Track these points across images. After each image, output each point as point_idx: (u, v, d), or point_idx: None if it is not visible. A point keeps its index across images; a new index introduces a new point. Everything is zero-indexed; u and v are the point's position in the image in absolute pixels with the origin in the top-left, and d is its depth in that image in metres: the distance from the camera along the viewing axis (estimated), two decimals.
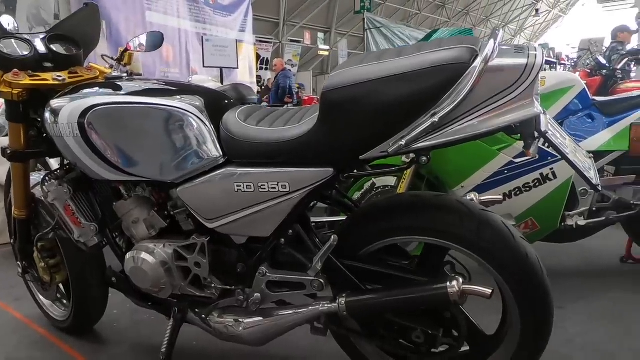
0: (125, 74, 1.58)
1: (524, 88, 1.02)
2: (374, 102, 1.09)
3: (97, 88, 1.48)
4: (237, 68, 5.54)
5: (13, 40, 1.56)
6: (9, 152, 1.61)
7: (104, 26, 4.56)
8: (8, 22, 2.44)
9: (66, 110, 1.41)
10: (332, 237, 1.23)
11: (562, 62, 15.18)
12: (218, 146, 1.32)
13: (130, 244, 1.58)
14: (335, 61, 20.39)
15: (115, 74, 1.56)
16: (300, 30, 19.27)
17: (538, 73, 1.01)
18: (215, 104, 1.41)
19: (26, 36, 1.60)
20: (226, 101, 1.46)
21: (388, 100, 1.08)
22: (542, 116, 1.08)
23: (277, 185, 1.23)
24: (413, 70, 1.05)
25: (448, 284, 1.16)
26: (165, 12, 5.38)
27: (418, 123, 1.07)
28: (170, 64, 5.50)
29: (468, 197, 1.39)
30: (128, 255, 1.50)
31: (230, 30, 6.43)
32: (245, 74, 6.29)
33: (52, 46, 1.61)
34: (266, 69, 16.93)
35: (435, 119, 1.04)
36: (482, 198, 1.40)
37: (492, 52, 1.01)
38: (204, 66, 5.23)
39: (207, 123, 1.33)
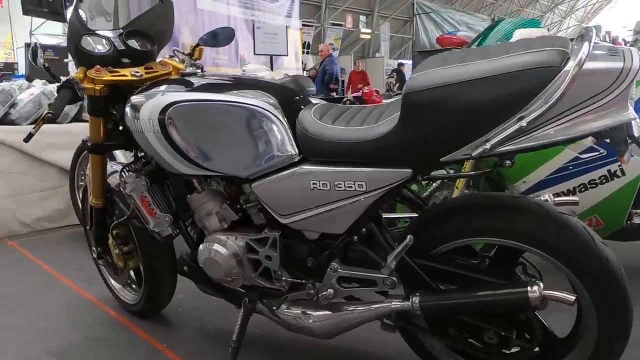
0: (199, 70, 1.62)
1: (618, 92, 0.99)
2: (458, 104, 1.08)
3: (174, 84, 1.53)
4: (287, 55, 5.55)
5: (93, 38, 1.62)
6: (89, 144, 1.69)
7: None
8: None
9: (147, 106, 1.46)
10: (408, 237, 1.24)
11: (618, 46, 14.42)
12: (294, 144, 1.34)
13: (202, 235, 1.64)
14: (376, 44, 20.13)
15: (189, 69, 1.60)
16: (342, 13, 19.09)
17: (634, 78, 0.98)
18: (289, 101, 1.43)
19: (105, 32, 1.66)
20: (298, 98, 1.48)
21: (473, 103, 1.07)
22: (634, 121, 1.05)
23: (354, 184, 1.25)
24: (500, 73, 1.04)
25: (529, 288, 1.15)
26: None
27: (504, 127, 1.05)
28: (220, 51, 5.57)
29: (542, 198, 1.37)
30: (201, 247, 1.55)
31: (277, 15, 6.44)
32: (292, 60, 6.31)
33: (128, 42, 1.67)
34: (308, 52, 16.93)
35: (523, 123, 1.03)
36: (557, 199, 1.38)
37: (586, 55, 0.98)
38: (254, 54, 5.27)
39: (283, 121, 1.35)
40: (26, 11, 5.08)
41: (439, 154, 1.15)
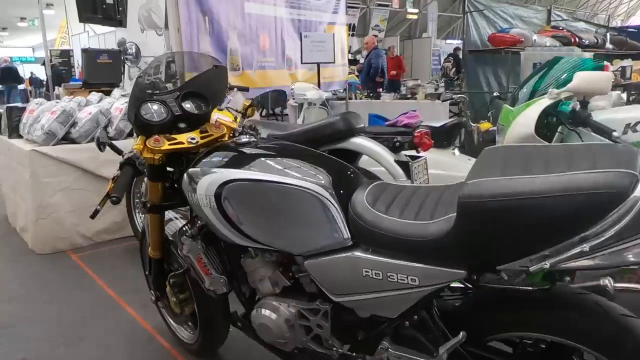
0: (253, 138, 1.64)
1: None
2: (518, 218, 1.06)
3: (228, 156, 1.57)
4: (334, 62, 5.50)
5: (152, 105, 1.67)
6: (148, 205, 1.76)
7: (206, 21, 4.70)
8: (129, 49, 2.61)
9: (203, 183, 1.50)
10: (461, 333, 1.24)
11: None
12: (345, 228, 1.35)
13: (254, 293, 1.70)
14: (424, 25, 19.56)
15: (244, 139, 1.62)
16: None
17: None
18: (342, 180, 1.44)
19: (163, 96, 1.70)
20: (351, 174, 1.49)
21: (534, 219, 1.04)
22: None
23: (407, 278, 1.25)
24: (565, 193, 1.01)
25: None
26: (263, 1, 5.43)
27: (564, 246, 1.03)
28: (267, 53, 5.58)
29: (601, 282, 1.32)
30: (255, 312, 1.61)
31: (323, 12, 6.37)
32: (338, 57, 6.24)
33: (184, 104, 1.71)
34: (353, 35, 16.66)
35: (586, 248, 1.00)
36: (618, 285, 1.33)
37: None
38: (302, 62, 5.25)
39: (335, 205, 1.36)
40: (82, 19, 5.25)
41: (495, 262, 1.13)
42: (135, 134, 1.69)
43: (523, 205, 1.05)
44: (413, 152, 2.48)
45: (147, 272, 2.06)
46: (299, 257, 1.50)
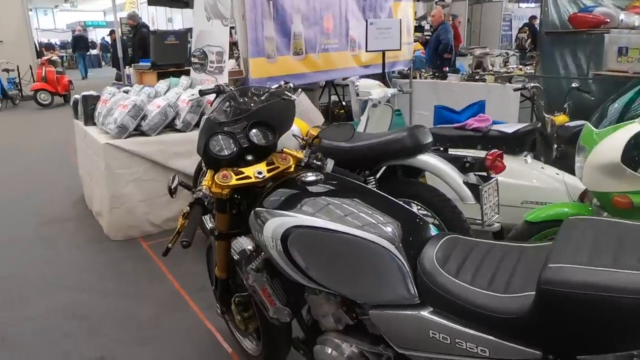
0: (320, 175, 1.62)
1: None
2: (603, 314, 0.98)
3: (295, 196, 1.56)
4: (399, 49, 5.30)
5: (221, 138, 1.68)
6: (216, 233, 1.80)
7: (270, 6, 4.64)
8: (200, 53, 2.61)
9: (270, 225, 1.51)
10: None
11: None
12: (413, 286, 1.32)
13: (317, 323, 1.72)
14: None
15: (310, 177, 1.60)
16: None
17: None
18: (412, 232, 1.40)
19: (230, 127, 1.71)
20: (422, 226, 1.44)
21: (620, 317, 0.97)
22: None
23: (476, 348, 1.21)
24: None
25: None
26: None
27: None
28: (330, 35, 5.46)
29: None
30: (317, 347, 1.63)
31: None
32: (404, 37, 6.01)
33: (251, 135, 1.71)
34: (418, 0, 15.93)
35: None
36: None
37: None
38: (366, 50, 5.09)
39: (403, 260, 1.33)
40: (151, 2, 5.33)
41: (575, 351, 1.07)
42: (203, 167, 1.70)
43: (611, 302, 0.97)
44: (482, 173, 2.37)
45: (213, 287, 2.13)
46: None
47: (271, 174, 1.67)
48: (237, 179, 1.63)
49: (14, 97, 12.13)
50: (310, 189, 1.58)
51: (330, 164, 1.77)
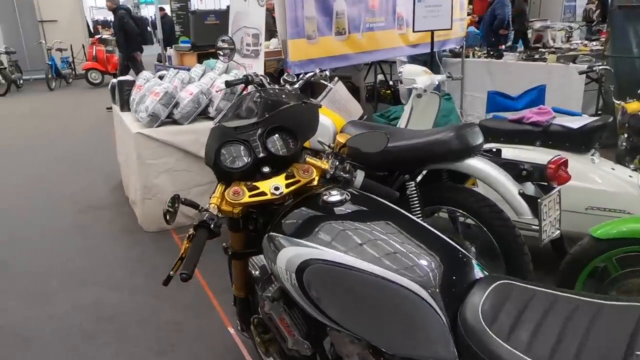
0: (345, 195, 1.37)
1: None
2: None
3: (315, 219, 1.33)
4: (451, 29, 4.87)
5: (233, 147, 1.46)
6: (230, 252, 1.60)
7: None
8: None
9: (284, 255, 1.29)
10: None
11: None
12: (451, 342, 1.07)
13: (340, 358, 1.51)
14: None
15: (335, 196, 1.36)
16: None
17: None
18: (453, 274, 1.15)
19: (244, 134, 1.49)
20: (466, 266, 1.18)
21: None
22: None
23: None
24: None
25: None
26: None
27: None
28: (376, 13, 5.10)
29: None
30: None
31: None
32: (456, 13, 5.55)
33: (269, 142, 1.49)
34: None
35: None
36: None
37: None
38: (414, 31, 4.71)
39: (439, 311, 1.08)
40: None
41: None
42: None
43: None
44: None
45: (233, 303, 1.96)
46: None
47: (290, 189, 1.44)
48: (250, 196, 1.42)
49: (67, 76, 12.45)
50: (334, 212, 1.34)
51: (360, 176, 1.53)
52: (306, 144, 2.36)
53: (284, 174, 1.47)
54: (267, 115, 1.55)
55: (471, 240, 2.14)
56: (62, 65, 12.31)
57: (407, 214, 1.33)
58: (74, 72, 12.96)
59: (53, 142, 6.52)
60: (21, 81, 11.80)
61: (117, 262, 3.22)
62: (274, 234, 1.37)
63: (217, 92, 3.62)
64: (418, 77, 3.01)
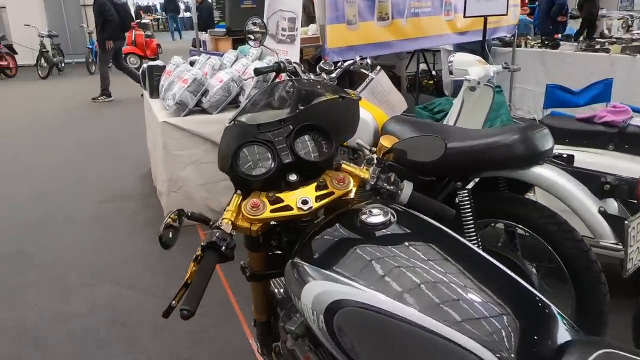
0: (390, 214, 1.09)
1: None
2: None
3: (350, 244, 1.06)
4: (506, 14, 4.45)
5: (255, 149, 1.21)
6: (247, 273, 1.35)
7: None
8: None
9: (310, 290, 1.03)
10: None
11: None
12: None
13: None
14: None
15: (377, 216, 1.08)
16: None
17: None
18: (535, 336, 0.85)
19: (268, 134, 1.22)
20: (553, 329, 0.88)
21: None
22: None
23: None
24: None
25: None
26: None
27: None
28: None
29: None
30: None
31: None
32: None
33: (297, 144, 1.22)
34: None
35: None
36: None
37: None
38: (465, 16, 4.32)
39: None
40: None
41: None
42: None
43: None
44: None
45: (253, 324, 1.72)
46: None
47: (321, 203, 1.17)
48: (272, 210, 1.15)
49: None
50: (376, 235, 1.07)
51: (407, 188, 1.24)
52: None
53: (315, 184, 1.20)
54: (297, 111, 1.29)
55: (533, 261, 1.83)
56: None
57: (470, 245, 1.04)
58: None
59: (87, 126, 6.47)
60: (63, 64, 11.92)
61: (138, 258, 3.04)
62: (299, 260, 1.10)
63: (246, 79, 3.37)
64: (471, 67, 2.67)
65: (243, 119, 1.30)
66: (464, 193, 1.82)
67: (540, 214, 1.70)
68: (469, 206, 1.83)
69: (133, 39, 11.82)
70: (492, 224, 1.96)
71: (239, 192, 1.22)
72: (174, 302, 1.12)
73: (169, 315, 1.11)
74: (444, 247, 1.04)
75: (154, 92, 3.92)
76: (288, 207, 1.16)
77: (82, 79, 10.83)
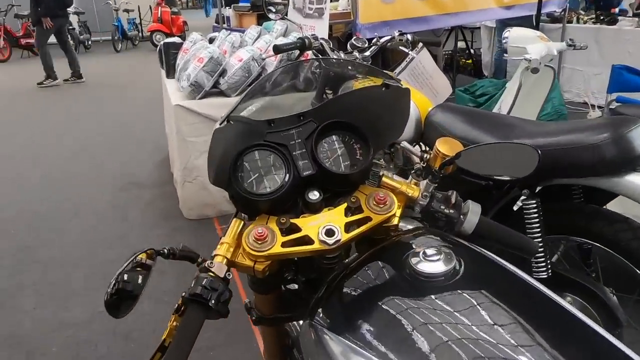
0: (455, 261, 0.75)
1: None
2: None
3: (395, 299, 0.72)
4: None
5: (258, 155, 0.87)
6: (254, 317, 1.02)
7: None
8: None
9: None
10: None
11: None
12: None
13: None
14: None
15: (433, 262, 0.74)
16: None
17: None
18: None
19: (281, 134, 0.89)
20: None
21: None
22: None
23: None
24: None
25: None
26: None
27: None
28: None
29: None
30: None
31: None
32: None
33: (320, 150, 0.88)
34: None
35: None
36: None
37: None
38: None
39: None
40: None
41: None
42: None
43: None
44: None
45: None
46: None
47: (352, 234, 0.83)
48: (284, 244, 0.82)
49: (133, 38, 12.34)
50: (430, 286, 0.72)
51: (473, 213, 0.88)
52: None
53: (343, 205, 0.86)
54: (323, 102, 0.94)
55: (619, 291, 1.46)
56: (128, 27, 12.20)
57: (570, 308, 0.69)
58: (140, 34, 12.84)
59: (107, 110, 6.24)
60: (89, 42, 11.80)
61: None
62: (320, 323, 0.77)
63: (265, 58, 3.02)
64: (530, 44, 2.24)
65: (244, 113, 0.97)
66: (531, 203, 1.45)
67: (634, 235, 1.32)
68: (536, 219, 1.46)
69: (159, 15, 11.58)
70: (563, 243, 1.59)
71: (239, 215, 0.89)
72: None
73: None
74: (536, 312, 0.69)
75: (170, 71, 3.62)
76: (307, 240, 0.82)
77: (107, 57, 10.68)
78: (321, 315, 0.78)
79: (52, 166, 4.23)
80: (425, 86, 2.23)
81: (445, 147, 0.90)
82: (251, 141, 0.88)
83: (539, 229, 1.46)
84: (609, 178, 1.34)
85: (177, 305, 0.81)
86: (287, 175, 0.85)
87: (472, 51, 6.86)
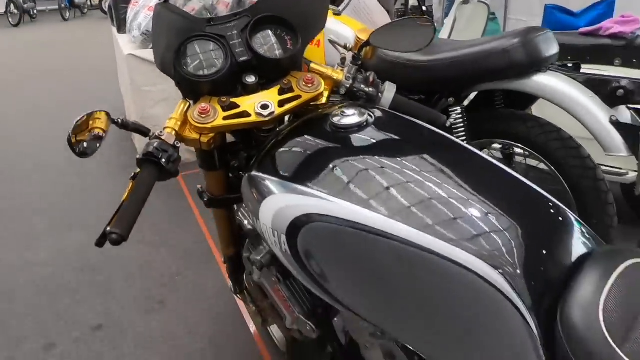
0: (367, 115, 0.89)
1: None
2: None
3: (319, 150, 0.87)
4: None
5: (200, 44, 0.99)
6: (205, 198, 1.16)
7: None
8: None
9: (269, 207, 0.84)
10: None
11: None
12: (541, 353, 0.63)
13: (355, 345, 1.09)
14: None
15: (351, 116, 0.88)
16: None
17: None
18: (550, 247, 0.68)
19: (220, 27, 1.00)
20: (569, 237, 0.71)
21: None
22: None
23: None
24: None
25: None
26: None
27: None
28: None
29: None
30: None
31: None
32: None
33: (255, 40, 1.00)
34: None
35: None
36: None
37: None
38: None
39: (522, 308, 0.63)
40: None
41: None
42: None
43: None
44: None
45: (223, 260, 1.55)
46: None
47: (285, 109, 0.97)
48: (225, 117, 0.95)
49: (81, 6, 11.90)
50: (350, 139, 0.87)
51: (389, 90, 1.03)
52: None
53: (277, 87, 0.99)
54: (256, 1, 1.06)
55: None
56: None
57: (466, 145, 0.85)
58: (89, 2, 12.39)
59: (60, 73, 6.13)
60: (35, 11, 11.31)
61: (110, 204, 2.81)
62: (257, 173, 0.91)
63: (224, 8, 3.07)
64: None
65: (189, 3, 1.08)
66: (456, 111, 1.62)
67: (542, 130, 1.52)
68: (462, 125, 1.63)
69: None
70: (488, 146, 1.78)
71: (186, 99, 1.02)
72: (108, 228, 0.92)
73: (103, 245, 0.92)
74: (434, 149, 0.85)
75: (122, 27, 3.62)
76: (245, 114, 0.96)
77: (55, 26, 10.30)
78: (257, 167, 0.93)
79: (10, 127, 4.19)
80: (367, 22, 2.35)
81: (363, 34, 1.04)
82: (191, 34, 0.99)
83: (464, 134, 1.63)
84: (520, 80, 1.52)
85: (133, 173, 0.93)
86: (226, 61, 0.98)
87: (424, 8, 6.98)
